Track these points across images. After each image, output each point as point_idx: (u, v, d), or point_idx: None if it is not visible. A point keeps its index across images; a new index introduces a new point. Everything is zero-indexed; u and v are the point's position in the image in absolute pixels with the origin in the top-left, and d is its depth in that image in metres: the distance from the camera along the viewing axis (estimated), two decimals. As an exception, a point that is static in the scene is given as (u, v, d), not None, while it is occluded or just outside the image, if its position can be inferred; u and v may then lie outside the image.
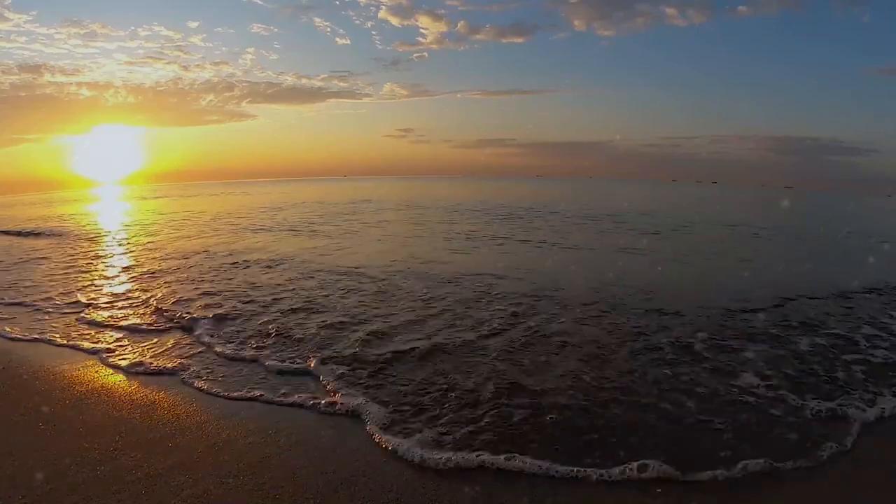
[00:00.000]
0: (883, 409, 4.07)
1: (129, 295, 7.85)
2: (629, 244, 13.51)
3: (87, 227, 18.81)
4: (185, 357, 5.24)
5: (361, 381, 4.56)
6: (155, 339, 5.80)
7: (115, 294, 7.89)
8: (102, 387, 4.65)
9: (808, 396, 4.25)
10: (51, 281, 9.00)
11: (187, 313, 6.53)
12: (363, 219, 20.35)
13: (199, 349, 5.44)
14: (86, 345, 5.61)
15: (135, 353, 5.39)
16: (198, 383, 4.63)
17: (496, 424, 3.84)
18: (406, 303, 7.06)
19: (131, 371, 4.93)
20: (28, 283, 8.80)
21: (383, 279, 8.69)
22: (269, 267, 9.96)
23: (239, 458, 3.44)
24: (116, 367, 5.03)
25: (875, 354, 5.29)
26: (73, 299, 7.50)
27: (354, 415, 4.02)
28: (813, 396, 4.25)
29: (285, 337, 5.71)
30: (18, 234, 16.95)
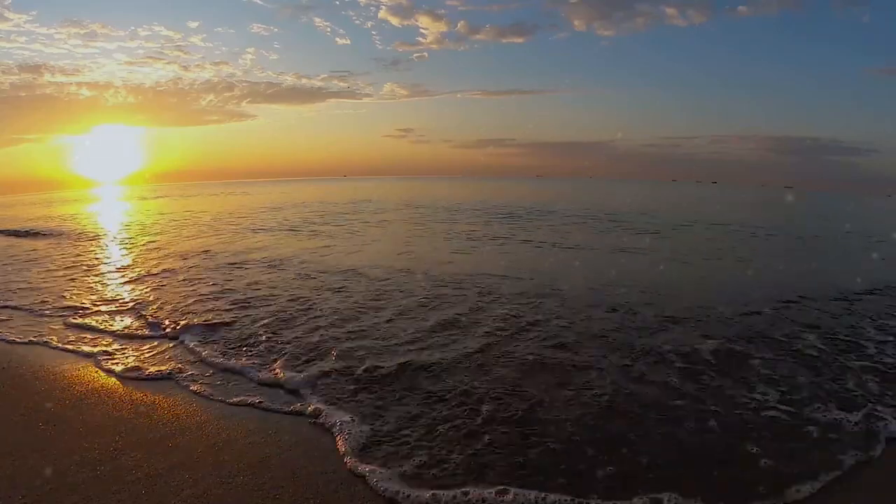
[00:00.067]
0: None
1: (127, 299, 7.78)
2: (629, 244, 13.51)
3: (87, 228, 18.81)
4: (181, 363, 5.13)
5: (347, 397, 4.30)
6: (149, 346, 5.67)
7: (113, 298, 7.80)
8: (102, 387, 4.65)
9: (826, 408, 4.10)
10: (48, 283, 8.96)
11: (181, 320, 6.33)
12: (363, 219, 20.35)
13: (192, 358, 5.25)
14: (84, 348, 5.56)
15: (131, 357, 5.33)
16: (194, 387, 4.59)
17: (492, 448, 3.53)
18: (405, 308, 6.85)
19: (129, 376, 4.86)
20: (25, 285, 8.77)
21: (383, 281, 8.68)
22: (269, 268, 9.95)
23: (239, 458, 3.44)
24: (114, 371, 4.99)
25: (884, 362, 5.16)
26: (69, 303, 7.38)
27: (333, 433, 3.75)
28: (837, 408, 4.10)
29: (277, 346, 5.45)
30: (17, 234, 16.95)
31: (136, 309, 7.04)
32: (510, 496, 3.00)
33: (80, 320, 6.53)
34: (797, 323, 6.38)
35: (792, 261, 11.75)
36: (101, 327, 6.30)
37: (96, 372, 4.97)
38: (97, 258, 11.63)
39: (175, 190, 67.23)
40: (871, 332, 6.07)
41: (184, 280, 8.89)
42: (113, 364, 5.12)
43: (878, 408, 4.14)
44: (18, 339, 5.90)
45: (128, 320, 6.59)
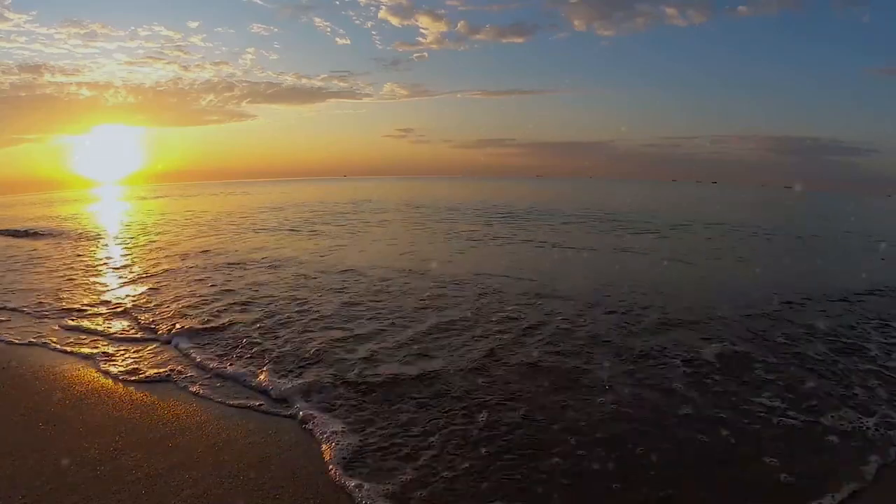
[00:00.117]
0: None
1: (125, 301, 7.72)
2: (630, 245, 13.51)
3: (87, 228, 18.81)
4: (178, 365, 5.07)
5: (339, 404, 4.17)
6: (146, 349, 5.57)
7: (111, 300, 7.70)
8: (102, 387, 4.65)
9: (839, 415, 4.03)
10: (47, 284, 8.92)
11: (177, 323, 6.21)
12: (364, 219, 20.35)
13: (187, 362, 5.19)
14: (83, 350, 5.53)
15: (130, 359, 5.29)
16: (193, 388, 4.58)
17: (490, 462, 3.36)
18: (404, 311, 6.71)
19: (128, 378, 4.82)
20: (24, 287, 8.75)
21: (384, 281, 8.67)
22: (269, 268, 9.94)
23: (239, 458, 3.44)
24: (113, 372, 4.99)
25: (888, 366, 5.11)
26: (67, 305, 7.29)
27: (321, 441, 3.63)
28: (851, 415, 4.05)
29: (272, 351, 5.33)
30: (16, 234, 16.95)
31: (134, 311, 6.96)
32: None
33: (77, 322, 6.48)
34: (800, 325, 6.33)
35: (792, 261, 11.74)
36: (99, 330, 6.23)
37: (96, 373, 4.96)
38: (96, 259, 11.63)
39: (175, 190, 67.24)
40: (874, 335, 6.01)
41: (183, 281, 8.87)
42: (112, 365, 5.10)
43: (892, 414, 4.10)
44: (18, 341, 5.89)
45: (125, 323, 6.49)
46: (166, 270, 9.82)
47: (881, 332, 6.18)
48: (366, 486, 3.11)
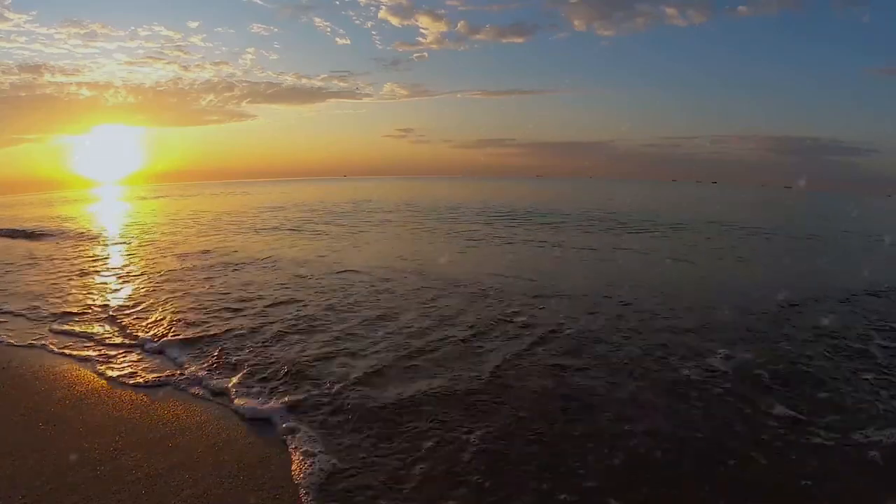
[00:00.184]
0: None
1: (123, 303, 7.69)
2: (630, 245, 13.50)
3: (87, 228, 18.80)
4: (173, 371, 4.94)
5: (321, 423, 3.89)
6: (141, 356, 5.42)
7: (109, 303, 7.62)
8: (102, 388, 4.65)
9: (865, 430, 3.88)
10: (46, 287, 8.85)
11: (170, 332, 6.05)
12: (364, 219, 20.35)
13: (180, 370, 4.99)
14: (82, 353, 5.48)
15: (128, 361, 5.24)
16: (192, 389, 4.56)
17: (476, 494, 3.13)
18: (403, 320, 6.39)
19: (127, 381, 4.76)
20: (24, 289, 8.72)
21: (385, 282, 8.66)
22: (268, 270, 9.95)
23: (239, 458, 3.45)
24: (113, 374, 4.98)
25: (889, 369, 5.08)
26: (65, 309, 7.15)
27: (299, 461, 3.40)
28: (872, 428, 3.90)
29: (264, 366, 4.99)
30: (16, 234, 16.94)
31: (130, 316, 6.80)
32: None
33: (74, 327, 6.36)
34: (803, 328, 6.26)
35: (793, 261, 11.75)
36: (97, 334, 6.10)
37: (96, 373, 4.96)
38: (95, 260, 11.61)
39: (175, 190, 67.24)
40: (878, 339, 5.91)
41: (181, 283, 8.83)
42: (110, 368, 5.07)
43: (893, 413, 4.07)
44: (17, 342, 5.87)
45: (121, 329, 6.29)
46: (165, 272, 9.82)
47: (882, 333, 6.12)
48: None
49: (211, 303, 7.31)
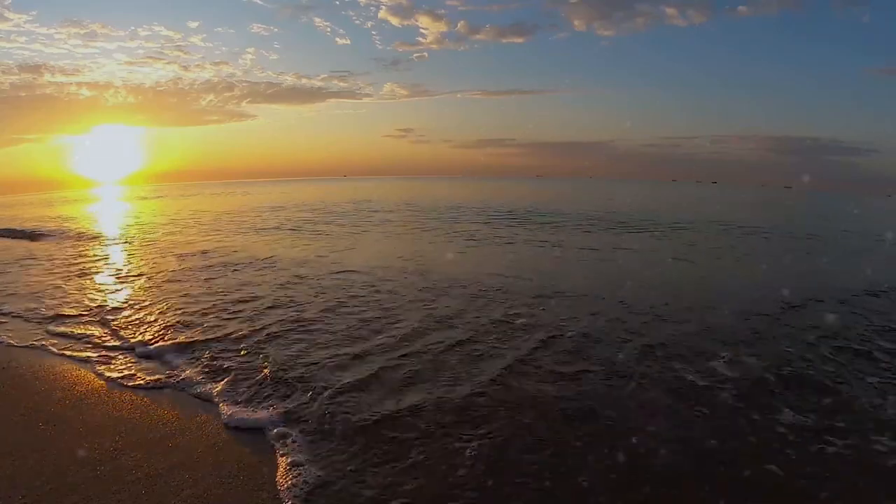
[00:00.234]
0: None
1: (121, 307, 7.64)
2: (630, 244, 13.50)
3: (86, 228, 18.81)
4: (170, 375, 4.87)
5: (312, 437, 3.70)
6: (138, 362, 5.30)
7: (108, 306, 7.57)
8: (102, 388, 4.65)
9: (879, 438, 3.81)
10: (45, 288, 8.82)
11: (166, 335, 5.96)
12: (364, 218, 20.36)
13: (176, 373, 4.94)
14: (81, 354, 5.46)
15: (127, 363, 5.21)
16: (192, 390, 4.56)
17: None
18: (405, 321, 6.30)
19: (127, 383, 4.73)
20: (23, 290, 8.69)
21: (384, 284, 8.65)
22: (268, 271, 9.95)
23: (239, 459, 3.45)
24: (113, 375, 4.98)
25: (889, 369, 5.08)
26: (63, 311, 7.08)
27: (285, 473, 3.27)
28: (887, 438, 3.82)
29: (260, 370, 4.87)
30: (14, 234, 16.94)
31: (132, 316, 6.83)
32: None
33: (74, 329, 6.32)
34: (804, 328, 6.21)
35: (793, 261, 11.75)
36: (96, 335, 6.07)
37: (95, 374, 4.96)
38: (96, 261, 11.62)
39: (175, 190, 67.27)
40: (880, 341, 5.87)
41: (181, 285, 8.84)
42: (110, 369, 5.07)
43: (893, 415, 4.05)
44: (16, 343, 5.86)
45: (121, 330, 6.24)
46: (165, 272, 9.82)
47: (883, 335, 6.11)
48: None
49: (210, 304, 7.28)
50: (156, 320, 6.56)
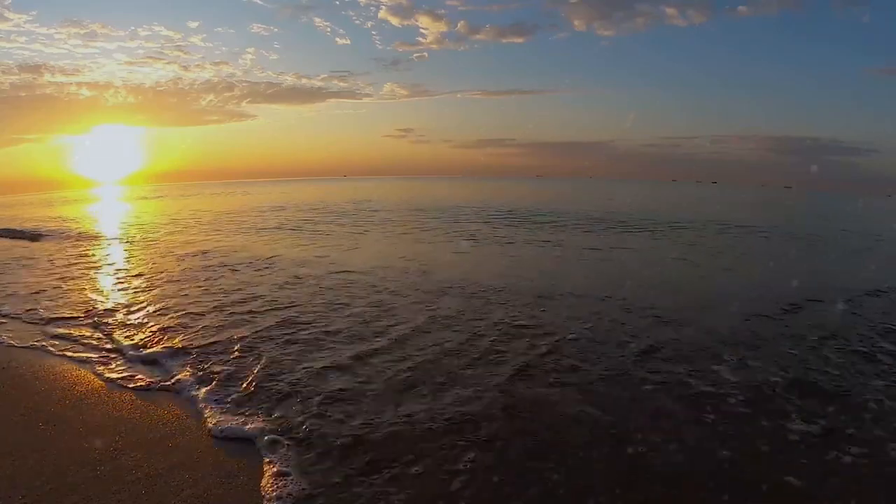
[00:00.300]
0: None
1: (121, 306, 7.65)
2: (630, 244, 13.51)
3: (86, 228, 18.81)
4: (168, 379, 4.77)
5: (301, 452, 3.49)
6: (138, 360, 5.26)
7: (108, 307, 7.57)
8: (102, 388, 4.64)
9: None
10: (44, 288, 8.77)
11: (163, 339, 5.85)
12: (364, 218, 20.36)
13: (177, 374, 4.86)
14: (80, 354, 5.43)
15: (126, 365, 5.17)
16: (191, 391, 4.52)
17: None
18: (406, 324, 6.18)
19: (126, 385, 4.69)
20: (23, 291, 8.65)
21: (383, 285, 8.63)
22: (268, 272, 9.93)
23: (239, 458, 3.44)
24: (113, 375, 4.97)
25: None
26: (62, 313, 7.02)
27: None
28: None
29: (258, 373, 4.79)
30: (14, 234, 16.94)
31: (131, 317, 6.80)
32: None
33: (73, 330, 6.27)
34: (807, 331, 6.13)
35: (792, 261, 11.75)
36: (96, 336, 6.03)
37: (95, 374, 4.95)
38: (95, 262, 11.60)
39: (175, 190, 67.26)
40: (882, 342, 5.81)
41: (182, 284, 8.83)
42: (110, 369, 5.05)
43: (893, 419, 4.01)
44: (16, 344, 5.83)
45: (121, 331, 6.19)
46: (165, 273, 9.81)
47: (885, 336, 6.06)
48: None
49: (210, 305, 7.25)
50: (155, 322, 6.54)
